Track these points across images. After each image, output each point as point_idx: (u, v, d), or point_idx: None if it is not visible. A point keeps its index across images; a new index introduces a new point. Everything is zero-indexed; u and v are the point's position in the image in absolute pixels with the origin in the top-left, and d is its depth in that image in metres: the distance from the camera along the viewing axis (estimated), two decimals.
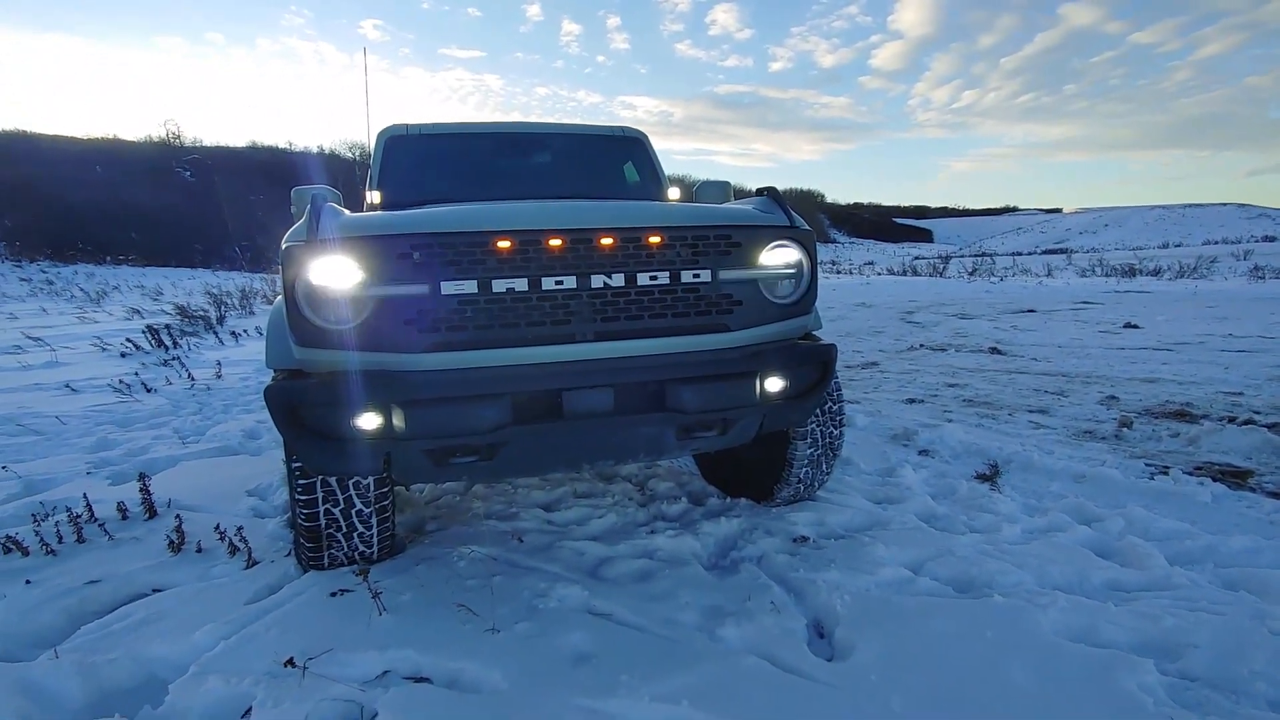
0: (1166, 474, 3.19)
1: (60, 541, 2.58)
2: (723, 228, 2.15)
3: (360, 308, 1.90)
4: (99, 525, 2.68)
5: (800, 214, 2.36)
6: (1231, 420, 3.99)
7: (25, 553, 2.48)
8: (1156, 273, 18.22)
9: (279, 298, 2.01)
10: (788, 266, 2.24)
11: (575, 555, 2.47)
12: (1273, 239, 45.81)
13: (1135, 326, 8.41)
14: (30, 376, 6.28)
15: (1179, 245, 44.64)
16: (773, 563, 2.38)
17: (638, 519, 2.82)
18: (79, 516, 2.66)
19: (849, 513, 2.79)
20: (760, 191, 2.46)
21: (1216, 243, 43.38)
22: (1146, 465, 3.34)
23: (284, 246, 1.93)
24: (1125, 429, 3.96)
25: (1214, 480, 3.09)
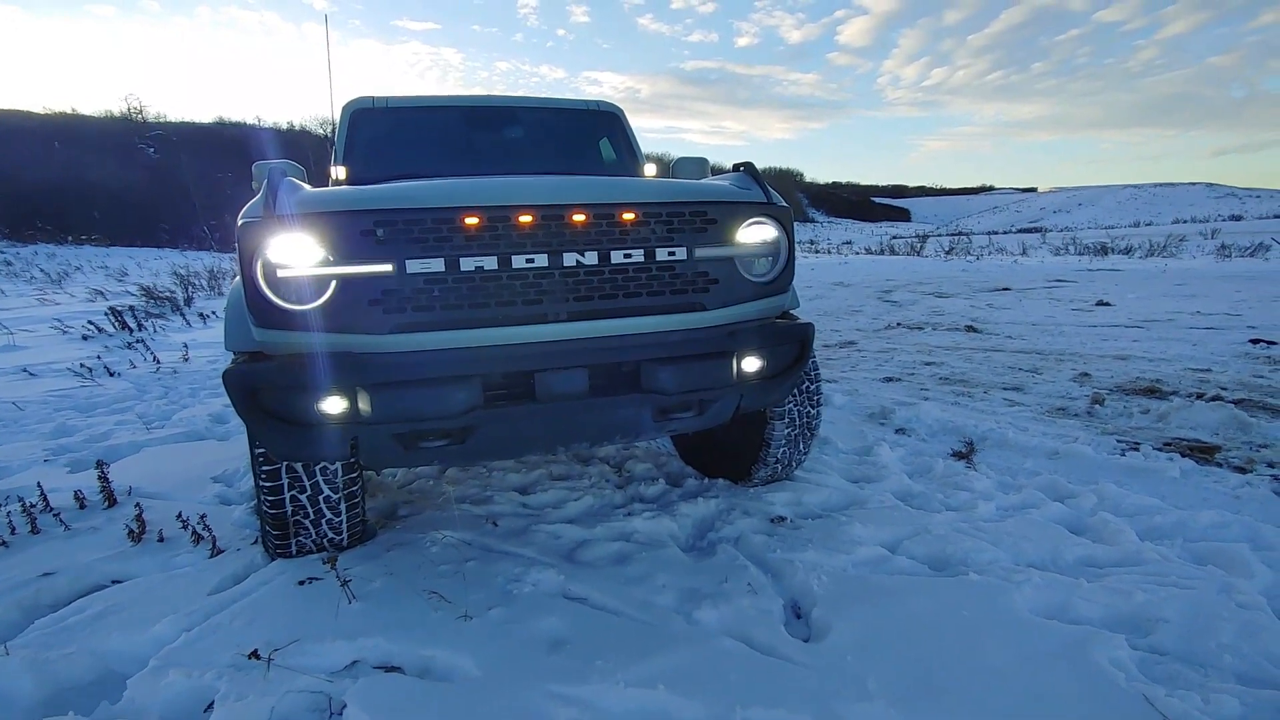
0: (1137, 450, 3.23)
1: (13, 533, 2.48)
2: (699, 204, 2.10)
3: (321, 287, 1.82)
4: (54, 515, 2.59)
5: (779, 193, 2.32)
6: (1200, 396, 4.05)
7: None
8: (1128, 251, 18.50)
9: (238, 277, 1.92)
10: (765, 244, 2.20)
11: (551, 539, 2.43)
12: (1239, 218, 46.81)
13: (1107, 304, 8.52)
14: None
15: (1149, 224, 45.42)
16: (750, 543, 2.37)
17: (615, 501, 2.79)
18: (33, 506, 2.56)
19: (826, 492, 2.78)
20: (737, 167, 2.40)
21: (1185, 221, 44.23)
22: (1118, 442, 3.38)
23: (240, 223, 1.84)
24: (1097, 406, 4.01)
25: (1183, 456, 3.13)
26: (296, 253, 1.80)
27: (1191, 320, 7.02)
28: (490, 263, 1.88)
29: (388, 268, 1.83)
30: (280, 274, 1.80)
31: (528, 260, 1.91)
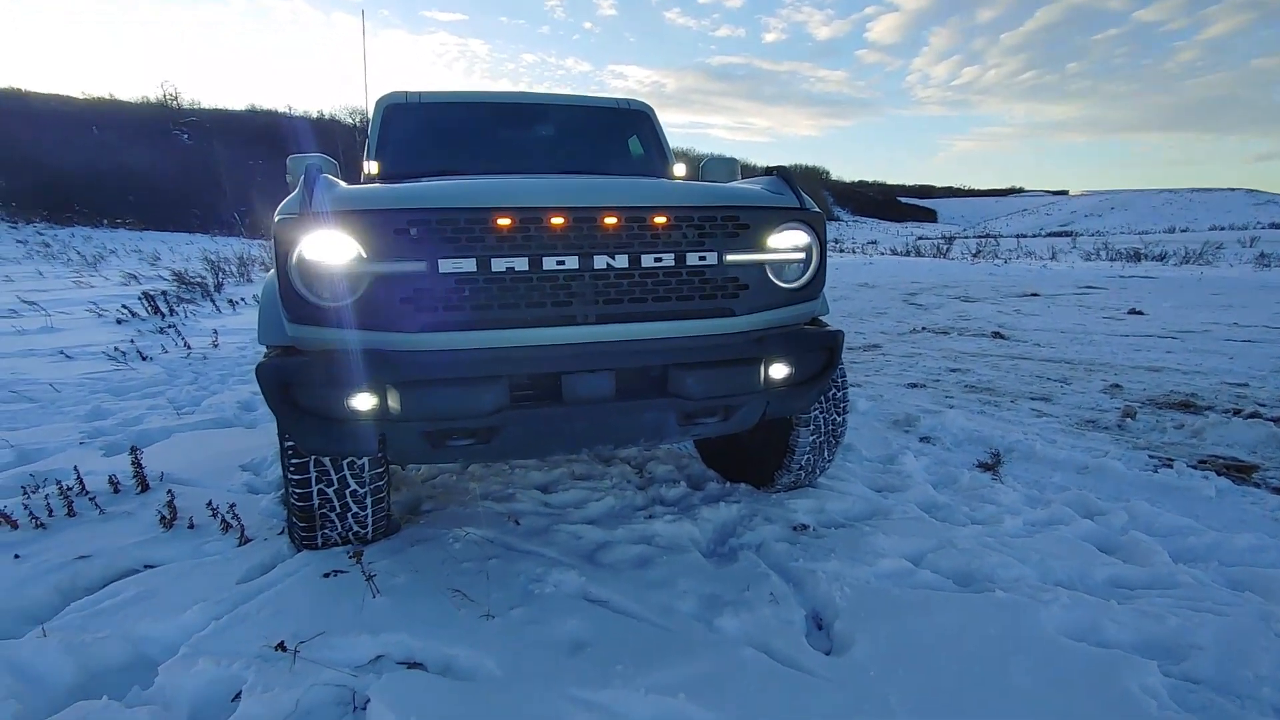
0: (1170, 467, 3.16)
1: (50, 515, 2.54)
2: (731, 208, 2.08)
3: (355, 284, 1.84)
4: (90, 498, 2.65)
5: (805, 191, 2.29)
6: (1237, 412, 3.95)
7: (14, 526, 2.45)
8: (1162, 258, 18.07)
9: (272, 271, 1.95)
10: (796, 250, 2.17)
11: (572, 539, 2.44)
12: None
13: (1140, 313, 8.34)
14: (24, 341, 6.22)
15: (1185, 230, 44.30)
16: (772, 551, 2.36)
17: (636, 503, 2.79)
18: (69, 489, 2.63)
19: (849, 500, 2.75)
20: (770, 171, 2.38)
21: (1223, 228, 43.06)
22: (1150, 457, 3.31)
23: (276, 219, 1.87)
24: (1129, 419, 3.92)
25: (1218, 474, 3.05)
26: (331, 250, 1.82)
27: (1228, 332, 6.84)
28: (521, 264, 1.89)
29: (420, 267, 1.84)
30: (314, 270, 1.82)
31: (558, 262, 1.91)
